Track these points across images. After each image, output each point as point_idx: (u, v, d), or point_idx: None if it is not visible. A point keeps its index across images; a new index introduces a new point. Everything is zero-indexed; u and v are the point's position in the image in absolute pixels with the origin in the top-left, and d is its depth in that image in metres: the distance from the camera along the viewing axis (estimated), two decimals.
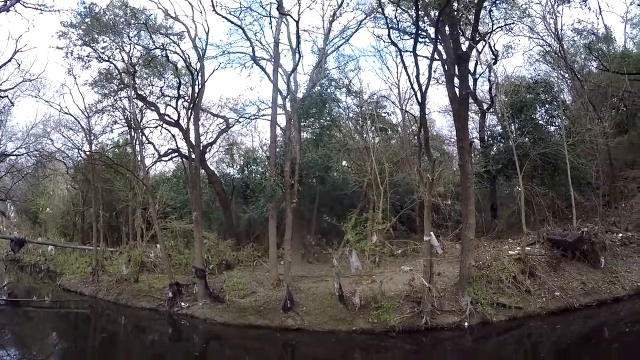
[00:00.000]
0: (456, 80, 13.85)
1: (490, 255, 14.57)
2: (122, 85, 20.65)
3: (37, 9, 13.83)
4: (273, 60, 17.81)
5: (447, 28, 13.94)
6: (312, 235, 19.84)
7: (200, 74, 17.54)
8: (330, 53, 20.54)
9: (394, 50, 16.83)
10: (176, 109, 18.19)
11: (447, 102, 16.64)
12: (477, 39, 15.96)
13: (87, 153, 23.52)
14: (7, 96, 23.21)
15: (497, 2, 18.43)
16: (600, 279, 13.43)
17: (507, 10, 19.13)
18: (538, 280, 13.26)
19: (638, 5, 21.64)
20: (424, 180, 12.61)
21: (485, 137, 22.17)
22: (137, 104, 20.97)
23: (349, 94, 22.68)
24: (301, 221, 19.56)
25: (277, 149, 18.05)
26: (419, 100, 12.13)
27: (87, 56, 19.19)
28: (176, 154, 20.50)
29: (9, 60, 20.21)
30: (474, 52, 17.51)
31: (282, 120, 19.70)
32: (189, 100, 17.99)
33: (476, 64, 20.04)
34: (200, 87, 17.32)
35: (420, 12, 14.41)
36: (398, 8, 15.92)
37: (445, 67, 14.13)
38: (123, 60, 19.33)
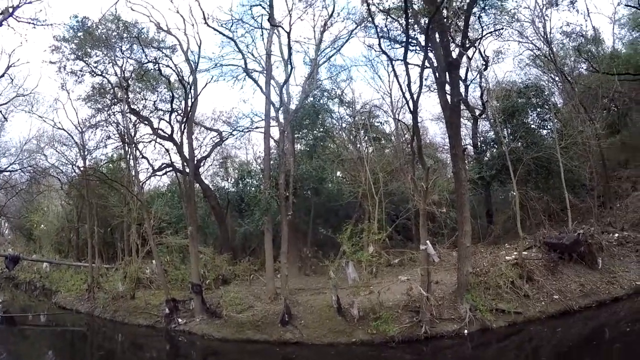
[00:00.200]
0: (448, 88, 13.93)
1: (488, 262, 14.55)
2: (116, 100, 20.65)
3: (30, 23, 13.88)
4: (265, 72, 17.85)
5: (437, 35, 14.05)
6: (309, 247, 19.75)
7: (193, 87, 17.55)
8: (322, 63, 20.66)
9: (385, 59, 16.99)
10: (169, 122, 18.23)
11: (440, 110, 16.77)
12: (467, 45, 16.12)
13: (81, 168, 23.40)
14: (0, 111, 23.10)
15: (486, 7, 18.67)
16: (598, 280, 13.42)
17: (496, 16, 19.38)
18: (536, 284, 13.23)
19: (625, 5, 21.87)
20: (418, 189, 12.59)
21: (479, 143, 22.24)
22: (130, 118, 20.95)
23: (342, 104, 22.80)
24: (297, 233, 19.51)
25: (271, 162, 18.03)
26: (411, 108, 12.16)
27: (80, 70, 19.33)
28: (170, 168, 20.46)
29: (2, 75, 20.10)
30: (464, 59, 17.73)
31: (275, 132, 19.79)
32: (182, 114, 17.98)
33: (467, 71, 20.28)
34: (193, 100, 17.30)
35: (410, 20, 14.53)
36: (388, 17, 16.08)
37: (437, 74, 14.22)
38: (116, 75, 19.36)
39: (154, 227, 18.94)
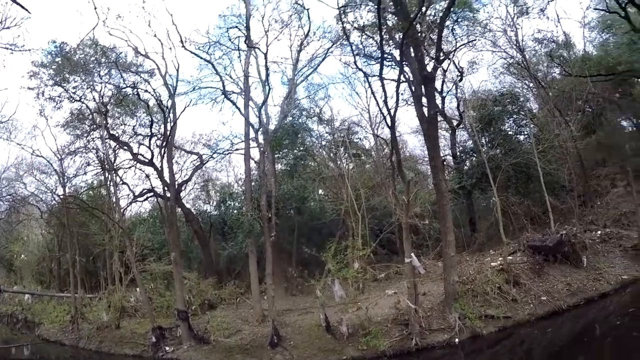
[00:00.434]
0: (424, 100, 14.16)
1: (474, 269, 14.63)
2: (94, 126, 20.41)
3: (7, 48, 13.66)
4: (244, 93, 17.93)
5: (411, 50, 14.34)
6: (294, 267, 19.60)
7: (172, 111, 17.50)
8: (300, 83, 20.88)
9: (362, 76, 17.21)
10: (149, 147, 18.06)
11: (418, 123, 16.95)
12: (442, 58, 16.50)
13: (61, 196, 22.89)
14: None
15: (459, 20, 19.24)
16: (584, 278, 13.61)
17: (469, 28, 19.95)
18: (523, 288, 13.35)
19: (594, 9, 22.62)
20: (400, 203, 12.66)
21: (458, 153, 22.54)
22: (109, 144, 20.74)
23: (321, 123, 22.94)
24: (281, 254, 19.38)
25: (253, 183, 18.00)
26: (389, 123, 12.31)
27: (59, 96, 19.11)
28: (151, 193, 20.21)
29: None
30: (440, 71, 18.12)
31: (255, 153, 19.73)
32: (161, 138, 17.86)
33: (443, 83, 20.66)
34: (172, 124, 17.24)
35: (385, 36, 14.84)
36: (363, 34, 16.39)
37: (413, 88, 14.50)
38: (94, 100, 19.25)
39: (136, 254, 18.61)
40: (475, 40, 20.54)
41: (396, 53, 15.48)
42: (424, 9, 14.51)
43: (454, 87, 21.99)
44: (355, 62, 14.05)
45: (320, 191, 23.07)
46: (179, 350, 15.09)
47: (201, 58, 17.88)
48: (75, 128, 20.92)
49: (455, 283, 13.04)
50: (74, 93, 18.87)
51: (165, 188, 17.39)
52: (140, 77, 18.60)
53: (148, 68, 18.91)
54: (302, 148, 21.22)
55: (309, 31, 18.60)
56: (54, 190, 24.51)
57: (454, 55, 19.33)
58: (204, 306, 18.20)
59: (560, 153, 19.13)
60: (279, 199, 17.30)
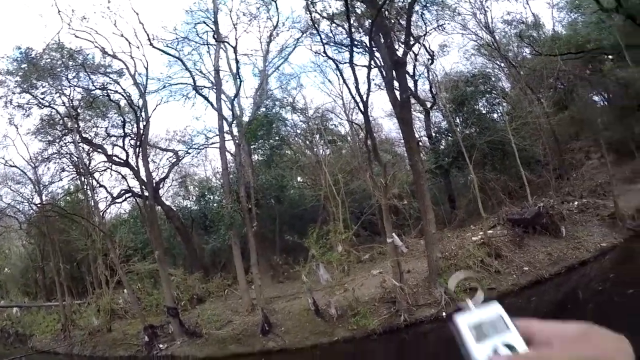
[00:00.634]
0: (396, 84, 14.36)
1: (455, 245, 14.99)
2: (66, 130, 20.00)
3: None
4: (215, 87, 17.79)
5: (381, 36, 14.47)
6: (278, 255, 19.76)
7: (143, 110, 17.28)
8: (271, 74, 20.87)
9: (334, 64, 17.31)
10: (123, 148, 17.89)
11: (392, 107, 17.12)
12: (412, 42, 16.73)
13: (39, 205, 22.45)
14: None
15: (428, 5, 19.39)
16: (564, 247, 13.95)
17: (438, 12, 20.12)
18: (505, 260, 13.69)
19: None
20: (378, 185, 12.89)
21: (433, 134, 22.85)
22: (83, 147, 20.36)
23: (295, 112, 22.96)
24: (265, 243, 19.48)
25: (230, 175, 17.97)
26: (362, 109, 12.47)
27: (27, 103, 18.73)
28: (129, 194, 19.99)
29: None
30: (411, 55, 18.33)
31: (231, 146, 19.64)
32: (135, 138, 17.65)
33: (414, 66, 20.87)
34: (145, 123, 17.06)
35: (354, 24, 14.94)
36: (332, 23, 16.44)
37: (384, 73, 14.64)
38: (64, 104, 18.85)
39: (120, 256, 18.48)
40: (444, 24, 20.79)
41: (366, 40, 15.61)
42: None
43: (426, 70, 22.29)
44: (324, 51, 14.12)
45: (298, 179, 23.18)
46: (172, 347, 15.14)
47: (170, 55, 17.68)
48: (47, 134, 20.47)
49: (438, 259, 13.36)
50: (43, 99, 18.45)
51: (143, 187, 17.24)
52: (109, 77, 18.27)
53: (117, 68, 18.56)
54: (277, 138, 21.23)
55: (277, 22, 18.62)
56: (30, 200, 24.03)
57: (424, 39, 19.54)
58: (192, 301, 18.21)
59: (534, 129, 19.60)
60: (258, 189, 17.39)
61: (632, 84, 18.19)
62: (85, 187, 22.54)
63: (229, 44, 16.64)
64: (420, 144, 17.21)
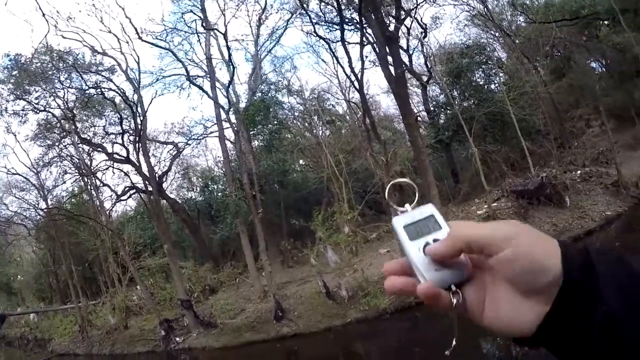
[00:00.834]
0: (390, 60, 14.19)
1: (461, 219, 14.97)
2: (64, 133, 20.00)
3: None
4: (209, 76, 17.64)
5: (371, 12, 14.24)
6: (286, 239, 19.79)
7: (139, 105, 17.22)
8: (264, 58, 20.63)
9: (326, 43, 17.08)
10: (123, 145, 17.91)
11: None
12: (403, 16, 16.47)
13: (45, 210, 22.63)
14: None
15: None
16: (569, 217, 13.89)
17: None
18: None
19: None
20: (379, 163, 12.87)
21: (431, 108, 22.61)
22: (83, 148, 20.41)
23: (291, 94, 22.80)
24: (272, 229, 19.57)
25: (232, 163, 17.94)
26: (357, 87, 12.38)
27: (22, 110, 18.70)
28: (133, 190, 20.10)
29: None
30: (404, 29, 18.08)
31: (230, 133, 19.58)
32: (134, 134, 17.63)
33: (408, 41, 20.57)
34: (142, 118, 17.01)
35: (343, 1, 14.71)
36: (321, 1, 16.20)
37: (377, 49, 14.47)
38: (59, 107, 18.77)
39: (130, 253, 18.67)
40: None
41: (356, 16, 15.36)
42: None
43: (420, 44, 21.98)
44: (314, 32, 13.96)
45: (300, 161, 23.15)
46: (189, 339, 15.40)
47: (160, 47, 17.54)
48: (46, 139, 20.52)
49: None
50: (38, 103, 18.46)
51: (147, 183, 17.32)
52: (102, 75, 18.22)
53: (108, 65, 18.51)
54: (275, 122, 21.10)
55: (265, 5, 18.31)
56: (36, 205, 24.20)
57: (415, 12, 19.18)
58: (205, 292, 18.42)
59: (533, 99, 19.40)
60: (261, 175, 17.40)
61: (629, 49, 17.86)
62: (89, 187, 22.57)
63: (218, 30, 16.46)
64: (419, 119, 17.08)
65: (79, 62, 17.94)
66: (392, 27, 14.81)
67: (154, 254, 20.69)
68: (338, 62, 14.30)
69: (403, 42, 18.78)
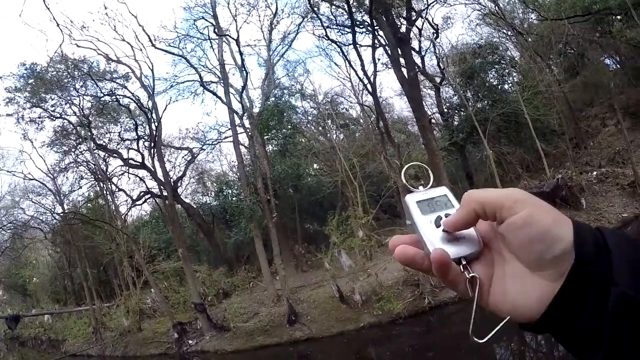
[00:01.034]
0: (403, 62, 14.11)
1: None
2: (80, 139, 20.36)
3: None
4: (222, 81, 17.78)
5: (382, 14, 14.18)
6: (300, 244, 19.80)
7: (154, 111, 17.44)
8: (277, 62, 20.73)
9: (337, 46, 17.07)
10: (138, 150, 18.13)
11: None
12: (414, 17, 16.33)
13: (61, 214, 23.01)
14: None
15: None
16: (586, 220, 13.50)
17: None
18: None
19: None
20: (393, 167, 12.79)
21: (445, 110, 22.43)
22: (99, 154, 20.74)
23: (304, 98, 22.85)
24: (286, 233, 19.60)
25: (246, 168, 18.04)
26: (370, 90, 12.31)
27: (39, 117, 19.09)
28: (148, 195, 20.31)
29: None
30: (415, 31, 17.95)
31: (244, 138, 19.71)
32: (149, 140, 17.84)
33: (420, 42, 20.38)
34: (157, 124, 17.20)
35: (353, 3, 14.67)
36: (332, 5, 16.18)
37: (389, 52, 14.39)
38: (75, 114, 19.17)
39: (145, 256, 18.84)
40: None
41: (367, 19, 15.31)
42: None
43: (432, 45, 21.77)
44: (326, 35, 13.94)
45: (314, 166, 23.13)
46: (202, 342, 15.48)
47: (173, 54, 17.73)
48: (62, 145, 20.94)
49: None
50: (54, 111, 18.85)
51: (162, 187, 17.49)
52: (116, 83, 18.52)
53: (122, 73, 18.81)
54: (289, 126, 21.19)
55: (276, 9, 18.39)
56: (52, 210, 24.63)
57: (426, 13, 19.00)
58: (219, 295, 18.50)
59: (547, 98, 19.10)
60: (275, 179, 17.44)
61: None
62: (105, 192, 22.96)
63: (230, 36, 16.58)
64: (432, 121, 16.91)
65: (93, 70, 18.27)
66: (403, 29, 14.74)
67: (169, 258, 20.87)
68: (350, 65, 14.30)
69: (415, 44, 18.63)
